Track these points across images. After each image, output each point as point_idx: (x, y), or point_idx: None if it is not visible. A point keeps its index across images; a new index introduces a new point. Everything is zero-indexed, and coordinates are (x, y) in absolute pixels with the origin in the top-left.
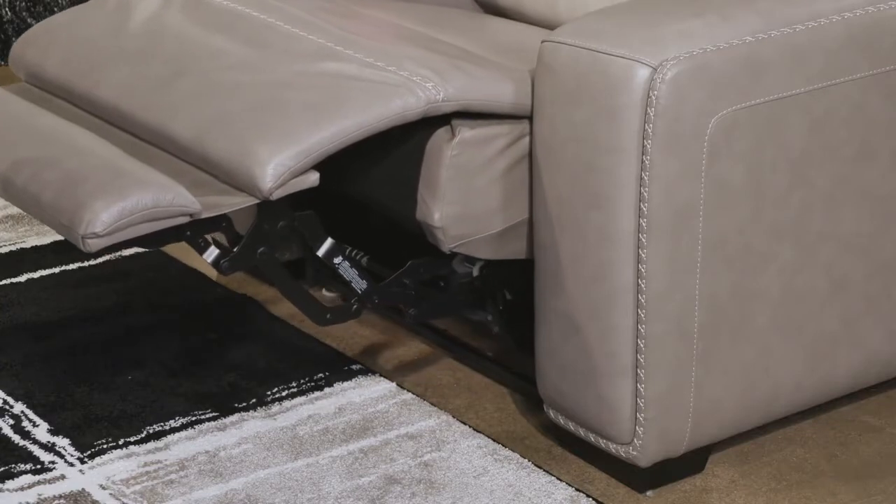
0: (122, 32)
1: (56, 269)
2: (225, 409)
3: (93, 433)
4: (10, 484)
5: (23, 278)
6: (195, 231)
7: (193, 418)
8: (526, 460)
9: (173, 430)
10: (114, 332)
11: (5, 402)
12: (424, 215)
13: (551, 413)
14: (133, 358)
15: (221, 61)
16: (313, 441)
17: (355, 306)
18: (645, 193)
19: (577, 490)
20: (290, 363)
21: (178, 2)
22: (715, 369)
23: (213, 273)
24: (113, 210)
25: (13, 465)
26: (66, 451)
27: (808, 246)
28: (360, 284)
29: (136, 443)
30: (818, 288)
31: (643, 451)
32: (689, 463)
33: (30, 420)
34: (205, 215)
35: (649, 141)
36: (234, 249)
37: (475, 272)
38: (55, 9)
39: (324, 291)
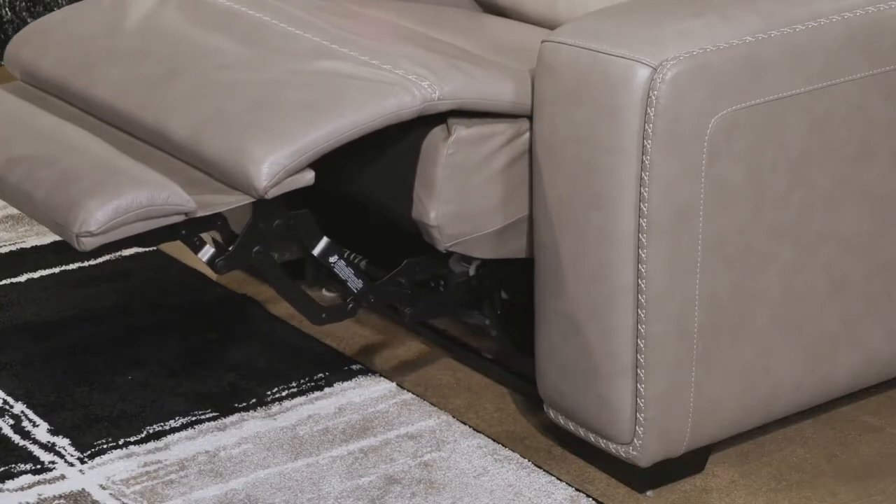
0: (117, 31)
1: (56, 269)
2: (225, 409)
3: (93, 433)
4: (10, 484)
5: (23, 278)
6: (190, 230)
7: (193, 418)
8: (526, 460)
9: (173, 430)
10: (114, 332)
11: (5, 402)
12: (420, 214)
13: (551, 413)
14: (133, 358)
15: (217, 60)
16: (313, 441)
17: (351, 305)
18: (645, 193)
19: (577, 490)
20: (290, 363)
21: (175, 0)
22: (715, 369)
23: (213, 273)
24: (107, 208)
25: (13, 465)
26: (66, 451)
27: (808, 246)
28: (355, 283)
29: (136, 443)
30: (818, 288)
31: (643, 451)
32: (689, 463)
33: (30, 420)
34: (200, 214)
35: (649, 141)
36: (230, 248)
37: (471, 271)
38: (55, 9)
39: (324, 291)
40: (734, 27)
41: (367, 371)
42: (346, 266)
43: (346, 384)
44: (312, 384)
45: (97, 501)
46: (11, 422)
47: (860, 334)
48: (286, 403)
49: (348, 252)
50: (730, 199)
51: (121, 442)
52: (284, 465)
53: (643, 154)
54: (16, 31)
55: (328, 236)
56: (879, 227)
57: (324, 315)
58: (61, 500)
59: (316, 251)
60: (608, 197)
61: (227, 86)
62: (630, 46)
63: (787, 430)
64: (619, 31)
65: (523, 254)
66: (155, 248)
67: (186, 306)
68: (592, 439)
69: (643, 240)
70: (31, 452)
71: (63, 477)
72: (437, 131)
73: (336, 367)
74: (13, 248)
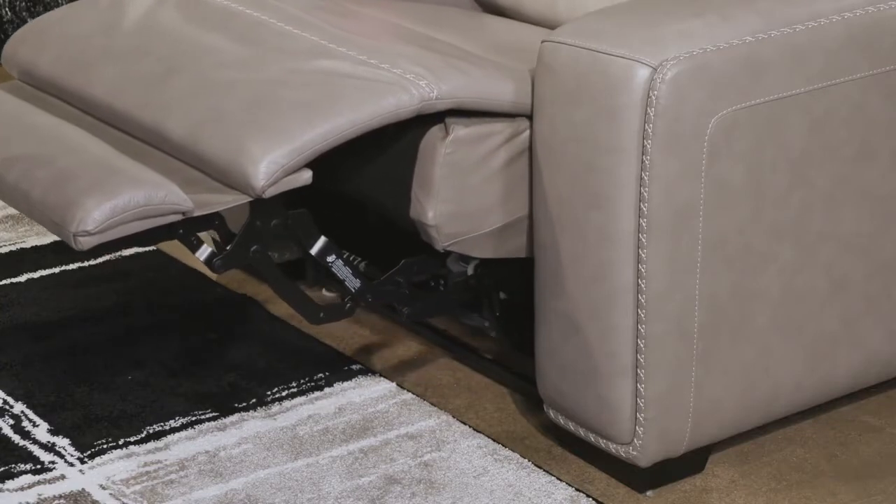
0: (115, 30)
1: (56, 269)
2: (225, 409)
3: (93, 433)
4: (10, 484)
5: (23, 278)
6: (187, 229)
7: (193, 418)
8: (526, 460)
9: (173, 430)
10: (114, 332)
11: (5, 402)
12: (418, 213)
13: (551, 413)
14: (133, 358)
15: (215, 59)
16: (313, 441)
17: (348, 305)
18: (645, 193)
19: (577, 490)
20: (290, 363)
21: None
22: (715, 369)
23: (212, 273)
24: (104, 208)
25: (13, 465)
26: (66, 451)
27: (808, 246)
28: (353, 283)
29: (136, 443)
30: (818, 288)
31: (643, 451)
32: (689, 463)
33: (30, 420)
34: (197, 213)
35: (649, 141)
36: (227, 248)
37: (470, 271)
38: (54, 9)
39: (324, 291)
40: (734, 27)
41: (367, 371)
42: (344, 265)
43: (346, 384)
44: (312, 384)
45: (97, 501)
46: (11, 422)
47: (860, 334)
48: (286, 403)
49: (348, 254)
50: (730, 199)
51: (121, 442)
52: (284, 465)
53: (643, 154)
54: (16, 30)
55: (326, 236)
56: (879, 227)
57: (321, 315)
58: (61, 500)
59: (314, 251)
60: (608, 197)
61: (225, 85)
62: (630, 46)
63: (787, 430)
64: (619, 31)
65: (521, 253)
66: (155, 247)
67: (186, 306)
68: (592, 439)
69: (643, 240)
70: (31, 452)
71: (63, 477)
72: (436, 131)
73: (336, 367)
74: (13, 248)
